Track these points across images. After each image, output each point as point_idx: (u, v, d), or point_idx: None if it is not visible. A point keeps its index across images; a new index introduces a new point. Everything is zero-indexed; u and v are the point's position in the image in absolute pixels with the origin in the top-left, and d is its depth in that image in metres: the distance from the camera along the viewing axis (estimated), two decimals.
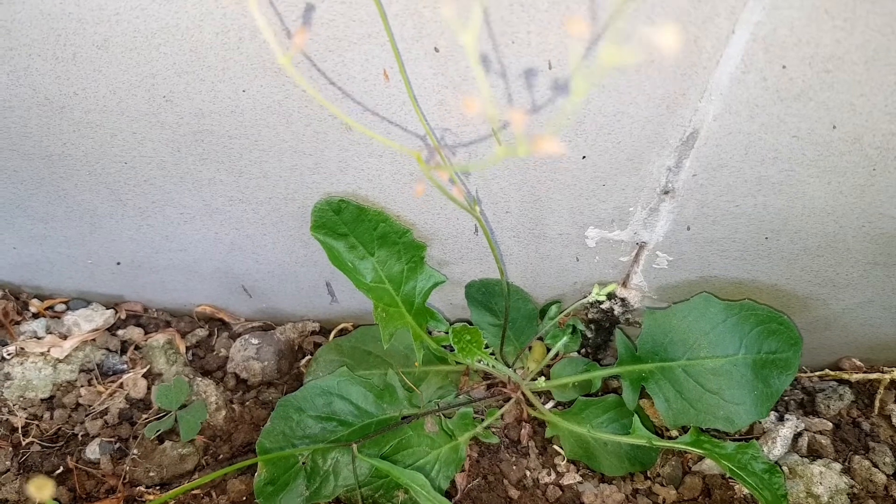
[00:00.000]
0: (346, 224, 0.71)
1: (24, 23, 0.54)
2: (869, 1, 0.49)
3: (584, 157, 0.64)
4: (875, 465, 0.83)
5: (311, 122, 0.62)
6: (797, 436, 0.85)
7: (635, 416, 0.75)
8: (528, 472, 0.81)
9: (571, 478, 0.81)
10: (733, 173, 0.64)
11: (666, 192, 0.68)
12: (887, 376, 0.88)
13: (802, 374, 0.93)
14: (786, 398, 0.91)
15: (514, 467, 0.81)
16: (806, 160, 0.62)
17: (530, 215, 0.71)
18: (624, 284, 0.81)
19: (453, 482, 0.78)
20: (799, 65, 0.54)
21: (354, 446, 0.71)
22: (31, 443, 0.77)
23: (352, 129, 0.63)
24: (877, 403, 0.89)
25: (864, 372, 0.90)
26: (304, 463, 0.73)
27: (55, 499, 0.73)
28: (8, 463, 0.75)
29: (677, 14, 0.51)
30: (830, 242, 0.71)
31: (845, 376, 0.90)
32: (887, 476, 0.82)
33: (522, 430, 0.83)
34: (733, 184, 0.65)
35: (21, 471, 0.75)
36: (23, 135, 0.65)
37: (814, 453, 0.84)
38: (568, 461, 0.82)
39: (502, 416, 0.85)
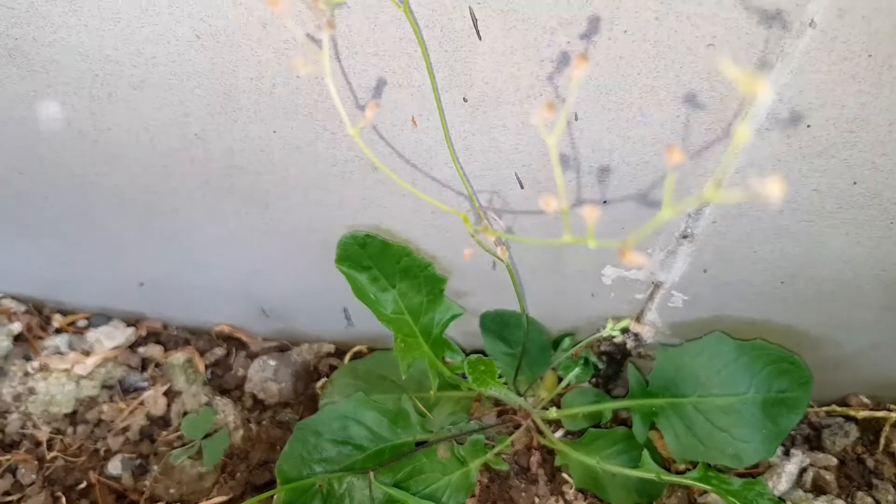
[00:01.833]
0: (371, 257, 0.72)
1: (62, 63, 0.55)
2: (895, 68, 0.50)
3: (605, 201, 0.65)
4: (878, 503, 0.84)
5: (338, 163, 0.63)
6: (802, 471, 0.86)
7: (645, 450, 0.77)
8: (536, 500, 0.82)
9: None
10: (752, 222, 0.65)
11: (685, 237, 0.69)
12: (893, 415, 0.89)
13: (810, 409, 0.94)
14: (792, 433, 0.92)
15: (523, 494, 0.82)
16: (825, 212, 0.63)
17: (549, 254, 0.72)
18: (638, 320, 0.82)
19: None
20: (823, 125, 0.55)
21: (371, 474, 0.73)
22: (56, 457, 0.79)
23: (377, 169, 0.64)
24: (882, 441, 0.90)
25: (871, 409, 0.91)
26: (320, 486, 0.74)
27: None
28: (34, 476, 0.77)
29: (707, 73, 0.52)
30: (845, 288, 0.72)
31: (852, 413, 0.91)
32: None
33: (532, 458, 0.85)
34: (752, 231, 0.66)
35: (45, 484, 0.77)
36: (55, 164, 0.66)
37: (818, 489, 0.85)
38: (576, 490, 0.83)
39: (512, 443, 0.86)
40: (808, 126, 0.55)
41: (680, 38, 0.49)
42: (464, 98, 0.56)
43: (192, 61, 0.55)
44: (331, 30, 0.36)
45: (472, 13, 0.49)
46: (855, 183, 0.60)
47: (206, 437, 0.79)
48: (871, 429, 0.92)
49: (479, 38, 0.50)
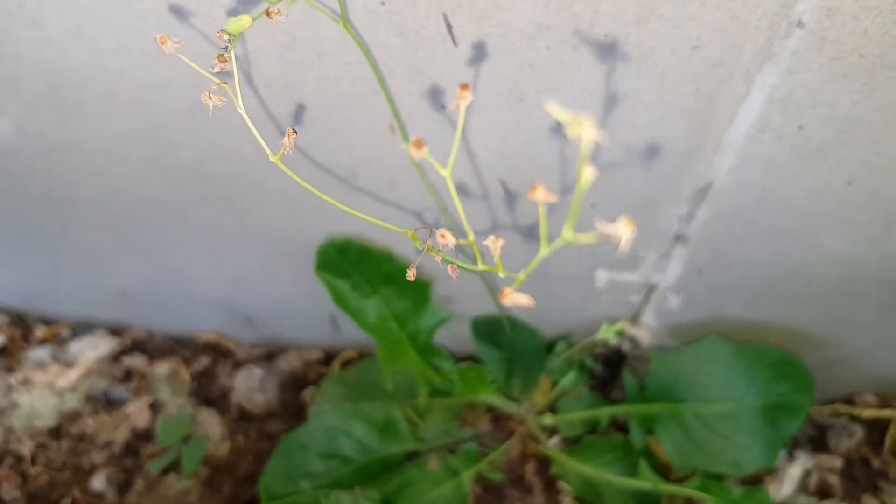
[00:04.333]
0: (351, 263, 0.70)
1: (27, 79, 0.53)
2: (887, 67, 0.47)
3: (593, 205, 0.63)
4: None
5: (314, 173, 0.61)
6: (806, 474, 0.84)
7: (642, 459, 0.75)
8: None
9: None
10: (746, 223, 0.63)
11: (678, 239, 0.66)
12: None
13: (814, 408, 0.91)
14: (796, 434, 0.89)
15: None
16: (821, 213, 0.61)
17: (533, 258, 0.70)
18: (633, 322, 0.80)
19: None
20: (815, 125, 0.52)
21: (358, 490, 0.71)
22: (40, 473, 0.77)
23: (356, 175, 0.62)
24: (887, 442, 0.87)
25: (877, 408, 0.89)
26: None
27: None
28: (17, 493, 0.76)
29: (692, 76, 0.49)
30: (846, 288, 0.70)
31: (857, 412, 0.89)
32: None
33: (527, 466, 0.83)
34: (747, 232, 0.64)
35: (29, 500, 0.76)
36: (27, 179, 0.64)
37: (823, 493, 0.83)
38: (573, 499, 0.81)
39: (506, 451, 0.84)
40: (800, 127, 0.53)
41: (663, 41, 0.46)
42: (441, 105, 0.54)
43: (159, 73, 0.53)
44: (223, 63, 0.36)
45: (445, 19, 0.47)
46: (850, 183, 0.57)
47: (184, 441, 0.78)
48: (876, 428, 0.90)
49: (455, 44, 0.48)
